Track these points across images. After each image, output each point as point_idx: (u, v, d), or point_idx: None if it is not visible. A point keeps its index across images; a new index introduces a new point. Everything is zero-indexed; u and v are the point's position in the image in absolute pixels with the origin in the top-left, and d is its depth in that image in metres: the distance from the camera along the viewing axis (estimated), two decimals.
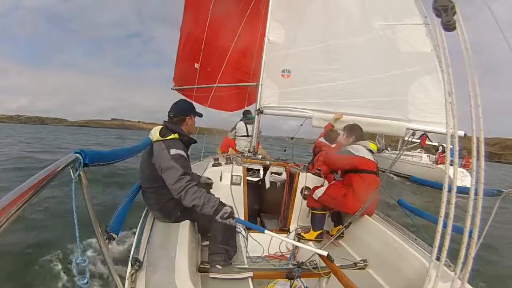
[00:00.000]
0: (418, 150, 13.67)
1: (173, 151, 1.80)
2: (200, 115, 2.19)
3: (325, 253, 1.68)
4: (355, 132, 2.68)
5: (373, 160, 2.55)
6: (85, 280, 0.95)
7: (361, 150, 2.53)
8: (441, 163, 12.23)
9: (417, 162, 13.14)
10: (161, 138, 1.87)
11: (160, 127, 1.95)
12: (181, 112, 2.05)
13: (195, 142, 2.15)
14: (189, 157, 2.07)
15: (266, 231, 1.72)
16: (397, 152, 15.03)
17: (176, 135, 1.92)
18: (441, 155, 12.43)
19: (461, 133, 2.28)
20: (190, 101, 2.43)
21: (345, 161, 2.53)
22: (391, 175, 13.20)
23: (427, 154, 13.77)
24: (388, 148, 16.68)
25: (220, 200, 1.78)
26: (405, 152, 13.84)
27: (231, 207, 1.78)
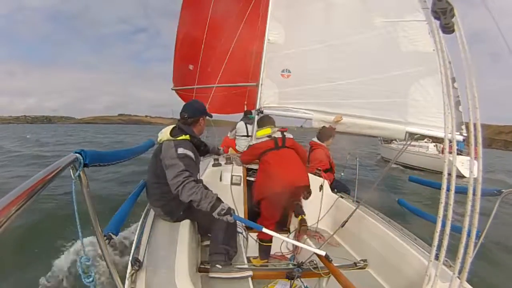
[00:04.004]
0: (425, 140, 13.40)
1: (180, 150, 1.82)
2: (211, 116, 2.22)
3: (323, 253, 1.69)
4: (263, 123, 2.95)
5: (266, 139, 2.72)
6: (91, 279, 0.96)
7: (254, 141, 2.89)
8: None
9: (423, 152, 12.89)
10: (171, 138, 1.89)
11: (172, 126, 1.98)
12: (196, 113, 2.08)
13: (205, 145, 2.15)
14: (198, 159, 2.07)
15: (264, 229, 1.72)
16: (404, 142, 14.80)
17: (187, 136, 1.93)
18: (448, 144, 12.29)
19: (460, 137, 2.27)
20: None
21: (247, 156, 2.89)
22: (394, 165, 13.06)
23: (434, 144, 13.47)
24: (397, 140, 16.52)
25: (218, 196, 1.78)
26: (412, 142, 13.50)
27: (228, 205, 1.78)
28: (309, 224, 2.81)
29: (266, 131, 2.78)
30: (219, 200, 1.75)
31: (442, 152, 12.26)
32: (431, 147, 13.29)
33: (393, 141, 16.02)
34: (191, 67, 5.14)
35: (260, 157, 2.68)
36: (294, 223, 2.94)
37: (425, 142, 13.42)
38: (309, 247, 1.79)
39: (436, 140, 13.34)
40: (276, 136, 2.72)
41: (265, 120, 2.93)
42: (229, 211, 1.72)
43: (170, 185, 1.77)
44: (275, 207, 2.56)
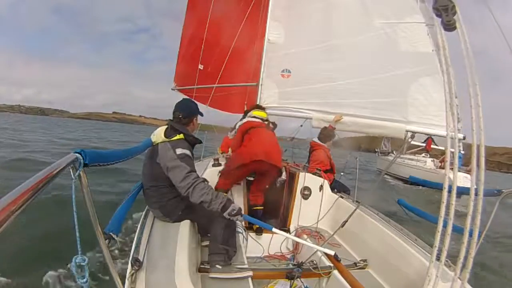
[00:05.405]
0: (423, 154, 13.60)
1: (179, 151, 1.81)
2: (202, 114, 2.20)
3: (332, 253, 1.70)
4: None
5: (255, 120, 2.89)
6: (85, 279, 0.95)
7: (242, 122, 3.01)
8: (442, 168, 12.16)
9: (420, 166, 13.07)
10: (166, 139, 1.87)
11: (165, 127, 1.94)
12: (191, 113, 2.07)
13: (200, 142, 2.16)
14: (193, 156, 2.08)
15: (273, 229, 1.76)
16: (402, 156, 14.94)
17: (181, 136, 1.92)
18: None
19: (460, 135, 2.26)
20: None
21: (236, 137, 2.96)
22: (388, 179, 13.30)
23: (432, 159, 13.63)
24: (394, 152, 16.67)
25: (228, 197, 1.80)
26: (410, 156, 13.82)
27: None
28: (309, 224, 2.81)
29: (263, 113, 2.99)
30: (229, 201, 1.78)
31: (440, 167, 12.33)
32: (429, 162, 13.46)
33: (390, 154, 16.26)
34: (201, 66, 5.14)
35: (249, 130, 2.80)
36: (294, 222, 2.94)
37: (423, 156, 13.61)
38: (318, 247, 1.80)
39: (435, 156, 13.49)
40: (269, 121, 2.96)
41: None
42: (239, 212, 1.75)
43: (179, 187, 1.76)
44: (245, 170, 2.71)
